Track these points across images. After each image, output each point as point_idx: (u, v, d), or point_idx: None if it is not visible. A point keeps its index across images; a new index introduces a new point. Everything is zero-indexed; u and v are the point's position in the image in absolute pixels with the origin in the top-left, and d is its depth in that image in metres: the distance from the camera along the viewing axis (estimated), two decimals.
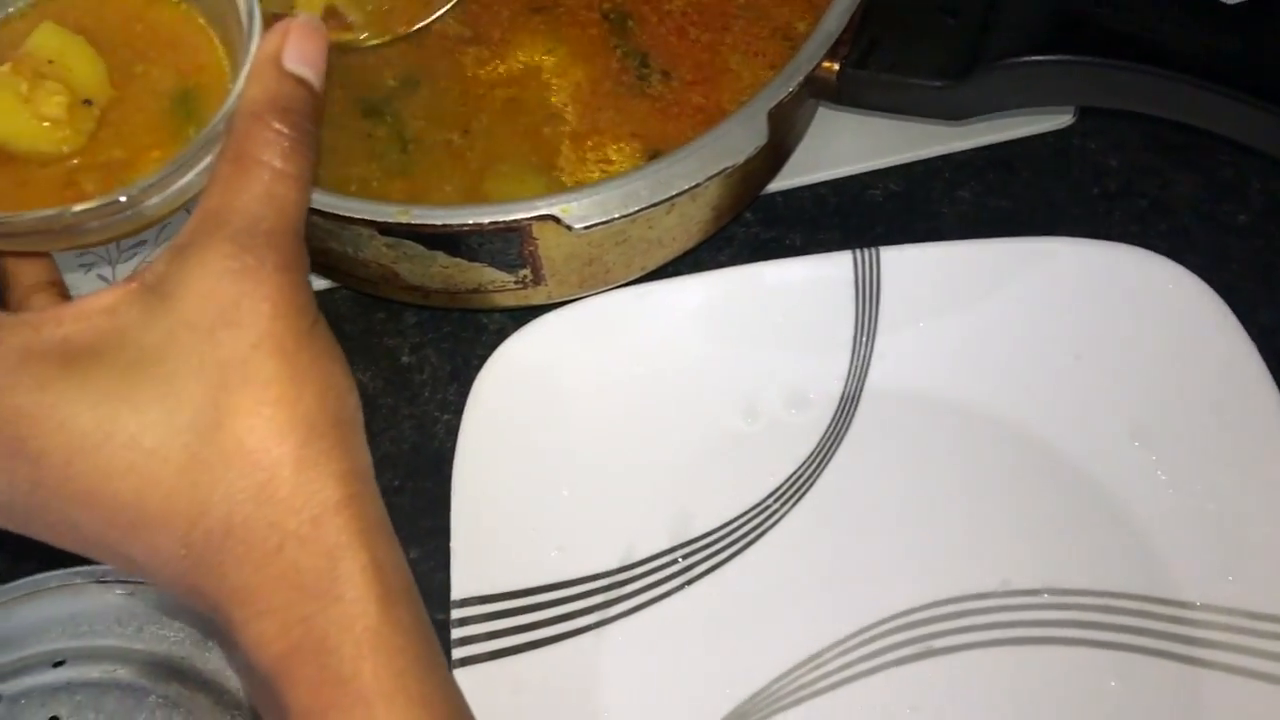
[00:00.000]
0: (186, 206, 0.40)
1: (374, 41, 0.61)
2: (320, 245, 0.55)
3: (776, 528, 0.56)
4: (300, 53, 0.39)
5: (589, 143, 0.59)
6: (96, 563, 0.49)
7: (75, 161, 0.40)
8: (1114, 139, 0.67)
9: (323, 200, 0.52)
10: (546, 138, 0.60)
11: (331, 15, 0.59)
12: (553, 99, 0.61)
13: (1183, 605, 0.53)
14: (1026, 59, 0.57)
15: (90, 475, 0.35)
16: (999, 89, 0.58)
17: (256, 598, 0.36)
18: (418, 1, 0.61)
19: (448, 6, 0.61)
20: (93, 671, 0.52)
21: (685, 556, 0.56)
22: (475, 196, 0.58)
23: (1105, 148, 0.67)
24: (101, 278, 0.64)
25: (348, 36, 0.60)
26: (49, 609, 0.52)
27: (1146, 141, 0.67)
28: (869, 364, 0.59)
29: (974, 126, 0.65)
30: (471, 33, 0.62)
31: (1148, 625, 0.53)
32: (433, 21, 0.61)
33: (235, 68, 0.40)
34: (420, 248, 0.54)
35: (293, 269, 0.38)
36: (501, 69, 0.61)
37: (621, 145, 0.59)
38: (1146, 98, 0.57)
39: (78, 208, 0.37)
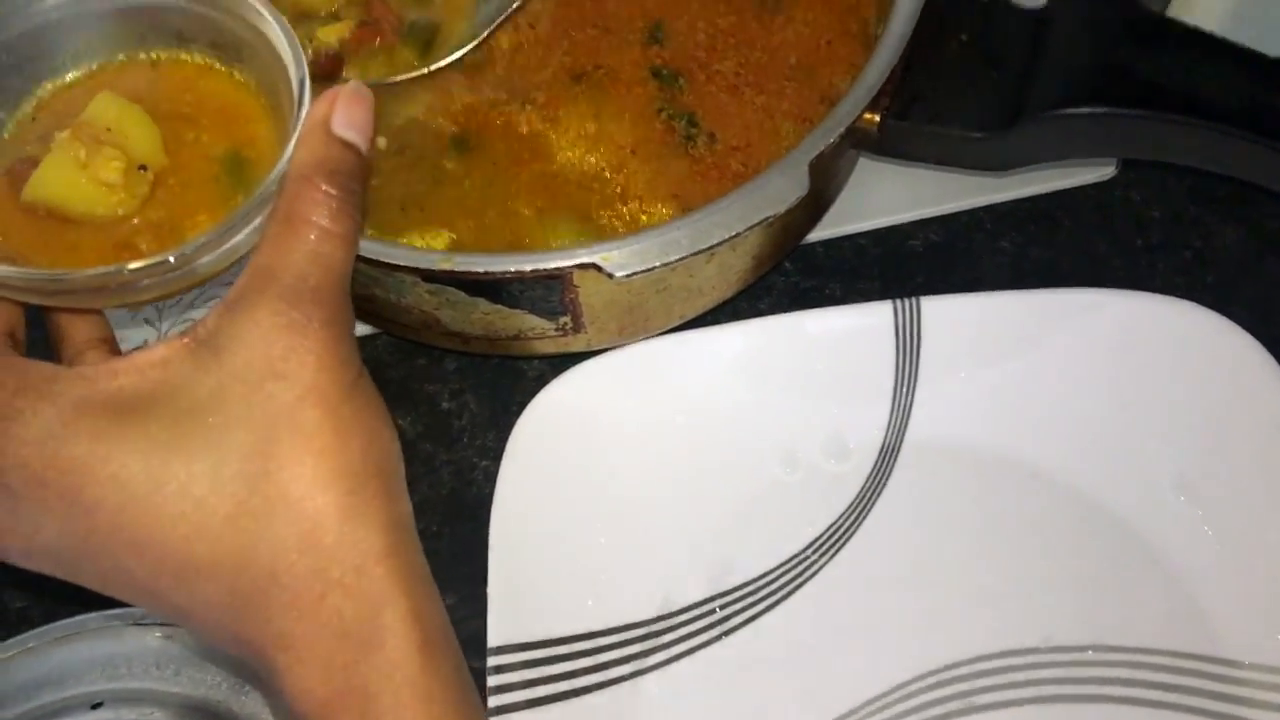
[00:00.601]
0: (237, 265, 0.40)
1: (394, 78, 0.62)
2: (363, 291, 0.56)
3: (815, 579, 0.56)
4: (348, 118, 0.40)
5: (626, 206, 0.60)
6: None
7: (130, 223, 0.41)
8: (1157, 190, 0.67)
9: (368, 248, 0.52)
10: (581, 196, 0.60)
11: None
12: (592, 158, 0.61)
13: (1230, 664, 0.52)
14: (1070, 110, 0.57)
15: (140, 523, 0.36)
16: (1042, 140, 0.58)
17: (300, 645, 0.36)
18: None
19: (465, 50, 0.62)
20: (130, 714, 0.52)
21: (723, 606, 0.55)
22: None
23: (1148, 199, 0.67)
24: (147, 321, 0.65)
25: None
26: (88, 651, 0.53)
27: (1190, 193, 0.67)
28: (909, 414, 0.58)
29: (1016, 178, 0.65)
30: (508, 95, 0.63)
31: (1193, 684, 0.52)
32: (449, 63, 0.62)
33: (285, 132, 0.41)
34: (462, 294, 0.54)
35: (338, 324, 0.39)
36: (551, 132, 0.62)
37: (658, 206, 0.60)
38: (1191, 150, 0.57)
39: (132, 266, 0.38)
